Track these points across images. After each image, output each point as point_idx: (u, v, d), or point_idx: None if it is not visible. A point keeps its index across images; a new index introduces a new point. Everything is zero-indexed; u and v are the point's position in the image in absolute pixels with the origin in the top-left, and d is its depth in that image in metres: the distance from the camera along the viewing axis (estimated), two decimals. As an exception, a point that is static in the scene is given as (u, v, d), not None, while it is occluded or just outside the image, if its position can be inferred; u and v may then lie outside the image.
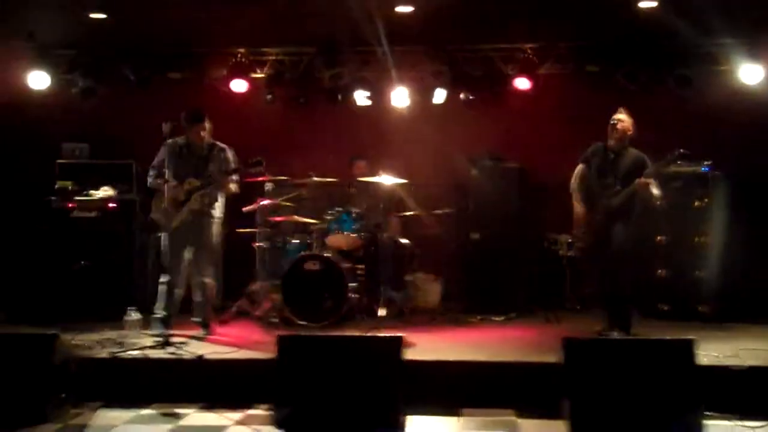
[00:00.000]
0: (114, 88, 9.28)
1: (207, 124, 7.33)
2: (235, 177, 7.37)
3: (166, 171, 7.18)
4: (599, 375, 5.35)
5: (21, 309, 8.23)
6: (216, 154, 7.38)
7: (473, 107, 9.21)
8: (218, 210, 7.41)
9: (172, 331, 6.79)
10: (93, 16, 8.10)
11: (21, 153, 9.15)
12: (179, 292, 7.26)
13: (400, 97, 9.07)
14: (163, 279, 7.33)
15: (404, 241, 8.51)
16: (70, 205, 8.52)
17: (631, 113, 7.21)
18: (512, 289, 8.66)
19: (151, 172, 7.35)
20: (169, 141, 7.28)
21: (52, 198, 8.55)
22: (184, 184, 7.12)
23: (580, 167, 7.37)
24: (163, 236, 7.33)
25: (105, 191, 8.66)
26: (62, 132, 9.34)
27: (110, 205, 8.58)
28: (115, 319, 7.36)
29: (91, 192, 8.64)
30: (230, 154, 7.42)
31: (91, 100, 9.17)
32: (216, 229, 7.40)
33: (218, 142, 7.44)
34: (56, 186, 8.64)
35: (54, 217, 8.50)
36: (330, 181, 8.53)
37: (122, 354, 6.40)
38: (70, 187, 8.63)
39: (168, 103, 8.05)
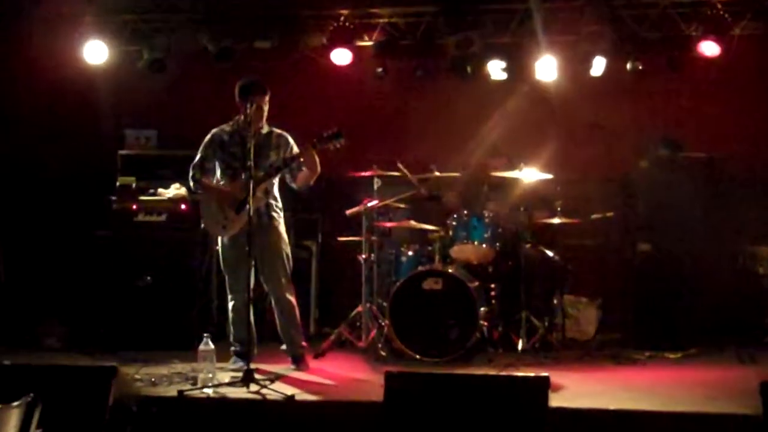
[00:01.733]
0: (188, 61, 9.54)
1: (267, 98, 7.41)
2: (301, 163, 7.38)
3: (217, 166, 7.42)
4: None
5: (78, 332, 8.58)
6: (276, 141, 7.48)
7: (644, 80, 9.04)
8: (280, 211, 7.53)
9: (254, 366, 6.88)
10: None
11: (76, 142, 9.53)
12: (251, 316, 7.35)
13: (547, 69, 8.96)
14: (230, 302, 7.49)
15: (551, 253, 8.41)
16: (133, 206, 8.75)
17: None
18: (693, 317, 8.44)
19: (193, 171, 7.49)
20: (215, 130, 7.50)
21: (113, 198, 8.81)
22: (243, 177, 7.17)
23: None
24: (222, 248, 7.48)
25: (176, 189, 8.86)
26: (125, 116, 9.68)
27: (182, 206, 8.77)
28: (187, 348, 7.49)
29: (160, 190, 8.87)
30: (292, 141, 7.52)
31: (159, 76, 9.41)
32: (282, 233, 7.52)
33: (276, 129, 7.54)
34: (117, 183, 8.91)
35: (115, 221, 8.75)
36: (456, 177, 8.50)
37: (194, 393, 6.53)
38: (133, 185, 8.87)
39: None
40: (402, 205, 8.59)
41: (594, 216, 8.61)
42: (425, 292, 7.89)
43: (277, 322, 7.56)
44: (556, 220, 8.31)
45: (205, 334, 6.79)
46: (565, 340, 8.45)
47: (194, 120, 9.27)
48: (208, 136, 7.55)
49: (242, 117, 7.34)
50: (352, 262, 8.59)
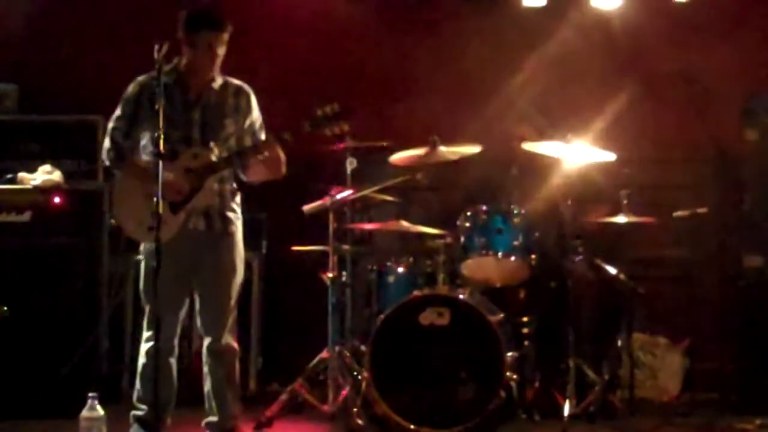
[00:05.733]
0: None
1: (226, 37, 7.34)
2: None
3: (141, 135, 7.28)
4: None
5: None
6: (235, 101, 7.42)
7: (755, 7, 9.15)
8: (239, 211, 7.46)
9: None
10: None
11: None
12: (173, 365, 7.35)
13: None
14: (145, 343, 7.38)
15: (614, 270, 8.42)
16: (-20, 200, 8.77)
17: None
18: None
19: (116, 133, 7.36)
20: (142, 78, 7.31)
21: (-55, 189, 8.83)
22: (182, 157, 7.13)
23: None
24: (146, 260, 7.40)
25: (46, 174, 8.84)
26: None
27: (56, 200, 8.76)
28: (64, 415, 7.48)
29: (21, 176, 8.85)
30: (254, 99, 7.44)
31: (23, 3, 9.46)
32: (240, 246, 7.47)
33: (233, 80, 7.48)
34: (-46, 166, 8.93)
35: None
36: (471, 154, 8.48)
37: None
38: (-20, 168, 8.89)
39: (166, 9, 8.10)
40: (389, 198, 8.63)
41: (678, 213, 8.68)
42: (424, 329, 7.86)
43: (207, 378, 7.40)
44: (621, 220, 8.32)
45: (90, 395, 6.75)
46: (635, 401, 8.45)
47: (75, 70, 9.25)
48: (133, 87, 7.33)
49: (184, 60, 7.27)
50: (312, 284, 8.57)
